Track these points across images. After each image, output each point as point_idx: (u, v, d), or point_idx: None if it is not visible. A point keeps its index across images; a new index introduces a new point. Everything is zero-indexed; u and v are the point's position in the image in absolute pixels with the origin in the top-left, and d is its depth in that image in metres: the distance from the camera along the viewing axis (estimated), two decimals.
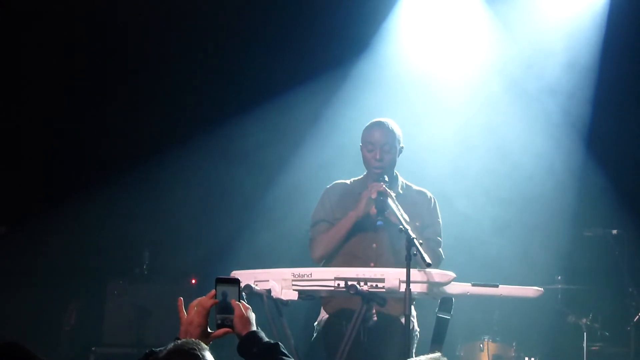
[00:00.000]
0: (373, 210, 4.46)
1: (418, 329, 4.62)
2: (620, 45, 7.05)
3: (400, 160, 4.78)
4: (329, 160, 6.95)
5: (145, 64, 7.35)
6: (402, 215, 4.30)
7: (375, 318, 4.32)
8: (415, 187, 4.77)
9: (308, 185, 6.66)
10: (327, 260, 4.66)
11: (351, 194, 4.66)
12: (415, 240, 3.99)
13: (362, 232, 4.60)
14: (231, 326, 2.80)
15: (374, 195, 4.47)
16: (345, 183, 4.78)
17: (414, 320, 4.55)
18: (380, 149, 4.61)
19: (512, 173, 7.07)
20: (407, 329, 3.98)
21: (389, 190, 4.48)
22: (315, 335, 4.66)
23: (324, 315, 4.64)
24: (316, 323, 4.67)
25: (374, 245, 4.60)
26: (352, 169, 5.04)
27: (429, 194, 4.75)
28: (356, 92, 7.17)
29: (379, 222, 4.39)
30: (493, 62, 7.19)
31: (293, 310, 4.40)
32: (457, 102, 7.19)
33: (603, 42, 7.05)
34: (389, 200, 4.38)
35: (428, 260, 3.94)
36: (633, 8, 6.95)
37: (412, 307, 4.38)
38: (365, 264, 4.52)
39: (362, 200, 4.52)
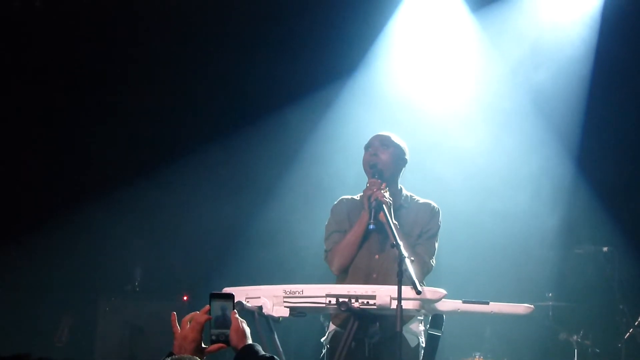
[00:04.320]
0: (382, 216, 4.40)
1: (424, 345, 4.53)
2: (611, 58, 7.11)
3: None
4: (323, 178, 7.02)
5: (135, 86, 7.40)
6: (394, 227, 4.27)
7: (380, 333, 4.32)
8: (421, 199, 4.76)
9: (302, 202, 6.75)
10: (345, 272, 4.66)
11: (358, 208, 4.65)
12: (406, 259, 4.00)
13: (364, 243, 4.61)
14: (226, 341, 2.82)
15: (370, 193, 4.46)
16: (352, 198, 4.78)
17: (421, 337, 4.52)
18: (376, 146, 4.66)
19: (501, 189, 7.14)
20: (398, 346, 3.96)
21: (386, 195, 4.46)
22: (323, 351, 4.64)
23: (332, 328, 4.63)
24: (324, 338, 4.67)
25: (377, 256, 4.60)
26: (350, 188, 5.08)
27: (434, 204, 4.74)
28: (348, 112, 7.28)
29: (371, 226, 4.39)
30: (481, 79, 7.32)
31: (284, 327, 4.43)
32: (447, 121, 7.30)
33: (595, 54, 7.11)
34: (384, 211, 4.36)
35: (419, 287, 3.94)
36: (625, 17, 7.04)
37: (420, 323, 4.43)
38: (367, 275, 4.55)
39: (365, 203, 4.51)
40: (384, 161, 4.64)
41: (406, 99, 7.26)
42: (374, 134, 4.78)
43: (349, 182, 6.09)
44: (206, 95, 7.55)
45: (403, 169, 4.77)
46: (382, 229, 4.44)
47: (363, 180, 4.68)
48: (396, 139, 4.77)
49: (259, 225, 7.39)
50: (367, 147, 4.72)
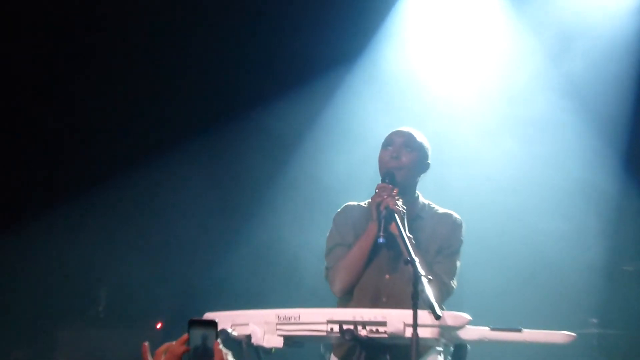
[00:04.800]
0: (393, 227, 4.44)
1: None
2: None
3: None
4: (324, 180, 7.13)
5: (109, 76, 7.52)
6: (408, 241, 4.30)
7: None
8: (440, 209, 4.80)
9: (299, 210, 6.89)
10: (349, 293, 4.69)
11: (366, 217, 4.68)
12: (423, 278, 4.01)
13: (372, 260, 4.64)
14: None
15: (380, 200, 4.48)
16: (359, 205, 4.82)
17: None
18: (398, 146, 4.69)
19: (535, 201, 7.25)
20: None
21: (399, 203, 4.48)
22: None
23: None
24: None
25: (387, 275, 4.64)
26: (357, 193, 5.12)
27: (455, 216, 4.78)
28: (354, 103, 7.40)
29: (380, 240, 4.41)
30: (510, 73, 7.41)
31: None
32: (470, 117, 7.42)
33: None
34: (396, 222, 4.38)
35: (438, 311, 3.94)
36: None
37: (439, 354, 4.44)
38: (376, 298, 4.60)
39: (373, 212, 4.53)
40: (406, 166, 4.69)
41: (420, 94, 7.36)
42: (395, 130, 4.81)
43: (355, 186, 6.18)
44: (183, 84, 7.65)
45: (423, 174, 4.81)
46: (393, 243, 4.46)
47: (376, 182, 4.69)
48: (421, 138, 4.81)
49: (248, 237, 7.51)
50: (387, 144, 4.75)
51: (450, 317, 4.09)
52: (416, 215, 4.71)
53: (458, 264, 4.72)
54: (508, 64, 7.41)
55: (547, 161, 7.29)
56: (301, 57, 7.37)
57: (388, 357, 4.25)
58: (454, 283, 4.67)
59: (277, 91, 7.45)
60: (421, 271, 4.02)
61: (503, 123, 7.38)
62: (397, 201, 4.50)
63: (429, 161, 4.80)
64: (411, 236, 4.49)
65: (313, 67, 7.38)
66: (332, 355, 4.68)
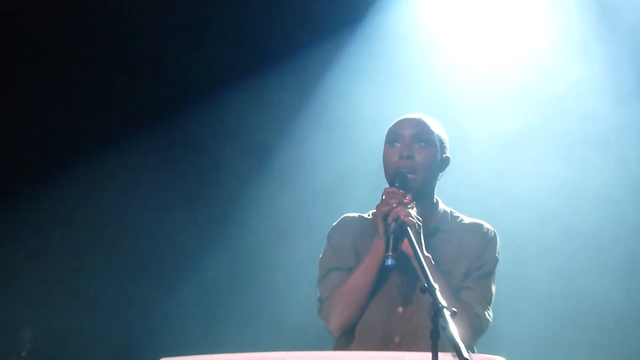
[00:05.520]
0: (406, 245, 4.44)
1: None
2: None
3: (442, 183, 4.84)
4: (317, 184, 7.20)
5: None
6: (426, 262, 4.22)
7: None
8: (467, 219, 4.83)
9: (286, 223, 6.95)
10: (349, 332, 4.68)
11: (370, 232, 4.69)
12: (445, 311, 4.01)
13: (380, 288, 4.64)
14: None
15: (388, 210, 4.46)
16: (360, 217, 4.85)
17: None
18: (409, 142, 4.68)
19: (590, 209, 7.37)
20: None
21: (413, 214, 4.46)
22: None
23: None
24: None
25: (399, 309, 4.65)
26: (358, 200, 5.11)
27: (487, 226, 4.80)
28: (352, 85, 7.42)
29: (388, 262, 4.39)
30: (554, 46, 7.50)
31: None
32: (511, 92, 7.49)
33: None
34: (409, 238, 4.36)
35: (465, 354, 3.92)
36: None
37: None
38: (386, 338, 4.60)
39: (379, 225, 4.52)
40: (422, 166, 4.68)
41: (437, 70, 7.43)
42: (401, 119, 4.80)
43: (355, 190, 6.20)
44: (145, 62, 7.71)
45: (441, 173, 4.81)
46: (406, 265, 4.47)
47: (379, 189, 4.66)
48: (437, 127, 4.81)
49: (221, 257, 7.54)
50: (394, 140, 4.74)
51: None
52: (435, 227, 4.74)
53: (493, 289, 4.74)
54: (553, 35, 7.55)
55: (603, 170, 7.43)
56: (283, 27, 7.53)
57: None
58: (489, 314, 4.68)
59: (258, 70, 7.56)
60: (443, 301, 3.91)
61: (545, 114, 7.48)
62: (410, 210, 4.49)
63: (448, 154, 4.80)
64: (429, 255, 4.51)
65: (299, 38, 7.51)
66: None
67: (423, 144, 4.70)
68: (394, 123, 4.79)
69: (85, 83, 7.70)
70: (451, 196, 4.90)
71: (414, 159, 4.65)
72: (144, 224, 7.66)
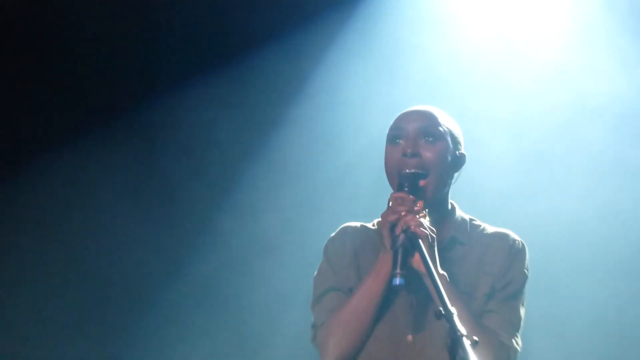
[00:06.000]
0: (417, 260, 4.42)
1: None
2: None
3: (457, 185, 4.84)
4: (309, 190, 7.22)
5: None
6: (440, 280, 4.20)
7: None
8: (490, 228, 4.84)
9: (272, 236, 7.00)
10: None
11: (374, 245, 4.70)
12: (464, 339, 3.97)
13: (385, 312, 4.63)
14: None
15: (395, 219, 4.43)
16: (363, 227, 4.85)
17: None
18: (414, 137, 4.66)
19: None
20: None
21: (425, 223, 4.45)
22: None
23: None
24: None
25: (409, 337, 4.63)
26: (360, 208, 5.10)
27: (514, 237, 4.80)
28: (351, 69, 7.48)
29: (396, 281, 4.35)
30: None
31: None
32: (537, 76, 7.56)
33: None
34: (421, 253, 4.34)
35: None
36: None
37: None
38: None
39: (385, 237, 4.50)
40: (432, 165, 4.65)
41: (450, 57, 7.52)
42: (404, 112, 4.80)
43: (357, 194, 6.23)
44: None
45: (457, 173, 4.79)
46: (418, 285, 4.47)
47: (384, 192, 4.64)
48: (446, 119, 4.79)
49: (197, 271, 7.65)
50: (396, 137, 4.72)
51: None
52: (452, 239, 4.73)
53: (522, 312, 4.72)
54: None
55: None
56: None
57: None
58: (518, 343, 4.66)
59: (239, 51, 7.66)
60: (462, 328, 3.96)
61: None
62: (422, 220, 4.46)
63: (462, 151, 4.79)
64: (445, 273, 4.50)
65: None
66: None
67: (431, 139, 4.67)
68: (396, 118, 4.79)
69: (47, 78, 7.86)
70: (467, 204, 4.92)
71: (420, 157, 4.63)
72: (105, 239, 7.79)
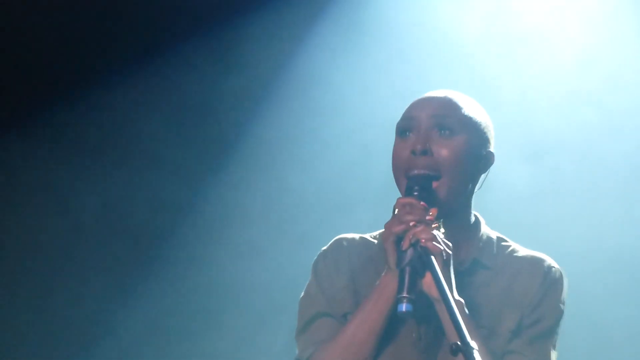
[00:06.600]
0: (428, 282, 4.12)
1: None
2: None
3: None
4: (300, 194, 7.22)
5: None
6: (457, 308, 3.89)
7: None
8: (522, 250, 4.49)
9: (251, 241, 7.16)
10: None
11: (375, 262, 4.45)
12: None
13: (387, 345, 4.31)
14: None
15: (402, 230, 4.08)
16: (362, 239, 4.58)
17: None
18: (425, 130, 4.30)
19: None
20: None
21: (439, 236, 4.09)
22: None
23: None
24: None
25: None
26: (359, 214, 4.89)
27: (550, 262, 4.46)
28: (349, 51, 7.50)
29: (402, 307, 4.01)
30: None
31: None
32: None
33: None
34: (434, 273, 4.00)
35: None
36: None
37: None
38: None
39: (389, 253, 4.13)
40: (446, 165, 4.29)
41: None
42: (418, 98, 4.46)
43: (355, 197, 5.98)
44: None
45: (483, 175, 4.42)
46: (428, 313, 4.19)
47: (391, 196, 4.30)
48: (471, 107, 4.43)
49: (172, 290, 7.72)
50: (405, 129, 4.38)
51: None
52: (474, 261, 4.41)
53: (554, 356, 4.42)
54: None
55: None
56: None
57: None
58: None
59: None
60: None
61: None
62: (435, 232, 4.12)
63: (491, 149, 4.44)
64: (462, 300, 4.15)
65: None
66: None
67: (447, 132, 4.31)
68: (409, 105, 4.47)
69: None
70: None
71: (432, 155, 4.28)
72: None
